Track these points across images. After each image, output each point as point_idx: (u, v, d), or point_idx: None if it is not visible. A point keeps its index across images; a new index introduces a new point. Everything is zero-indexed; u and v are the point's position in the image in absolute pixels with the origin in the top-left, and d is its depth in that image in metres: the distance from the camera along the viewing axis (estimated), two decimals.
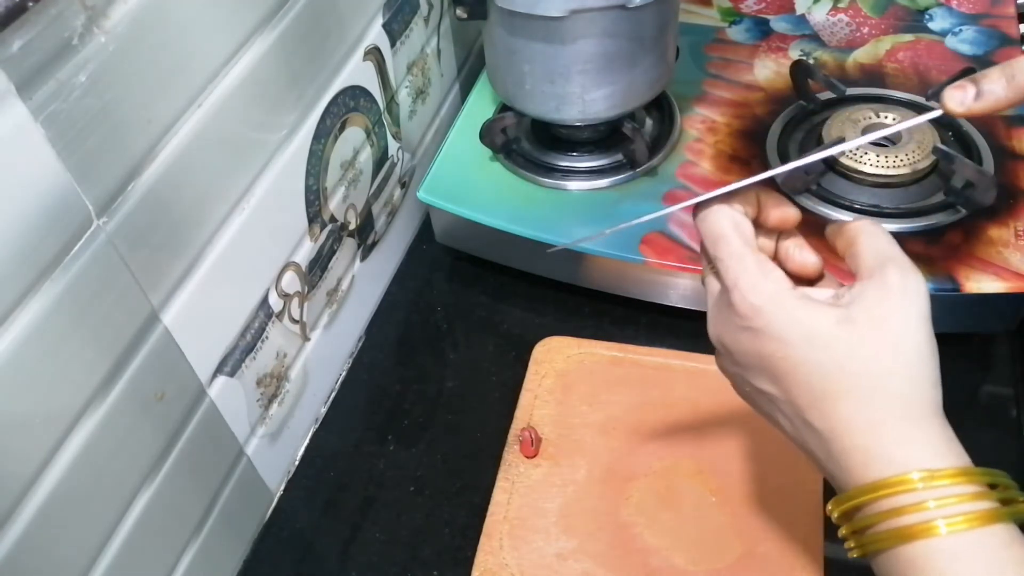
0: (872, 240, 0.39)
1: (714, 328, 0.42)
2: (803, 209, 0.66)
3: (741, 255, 0.39)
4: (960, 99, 0.37)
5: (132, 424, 0.47)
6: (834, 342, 0.37)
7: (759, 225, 0.42)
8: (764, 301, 0.38)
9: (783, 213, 0.42)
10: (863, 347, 0.36)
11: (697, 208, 0.42)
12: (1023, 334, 0.66)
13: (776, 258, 0.43)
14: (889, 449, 0.35)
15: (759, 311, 0.38)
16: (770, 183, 0.64)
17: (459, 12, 0.67)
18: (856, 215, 0.65)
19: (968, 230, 0.64)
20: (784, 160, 0.70)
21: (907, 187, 0.66)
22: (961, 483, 0.34)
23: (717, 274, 0.41)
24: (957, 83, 0.37)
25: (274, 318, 0.59)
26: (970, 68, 0.71)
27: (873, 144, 0.68)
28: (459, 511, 0.62)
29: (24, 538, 0.41)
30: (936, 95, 0.72)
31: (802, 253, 0.43)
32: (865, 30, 0.82)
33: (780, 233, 0.43)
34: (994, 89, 0.36)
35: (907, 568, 0.34)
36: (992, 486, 0.35)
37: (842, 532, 0.37)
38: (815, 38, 0.82)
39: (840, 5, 0.85)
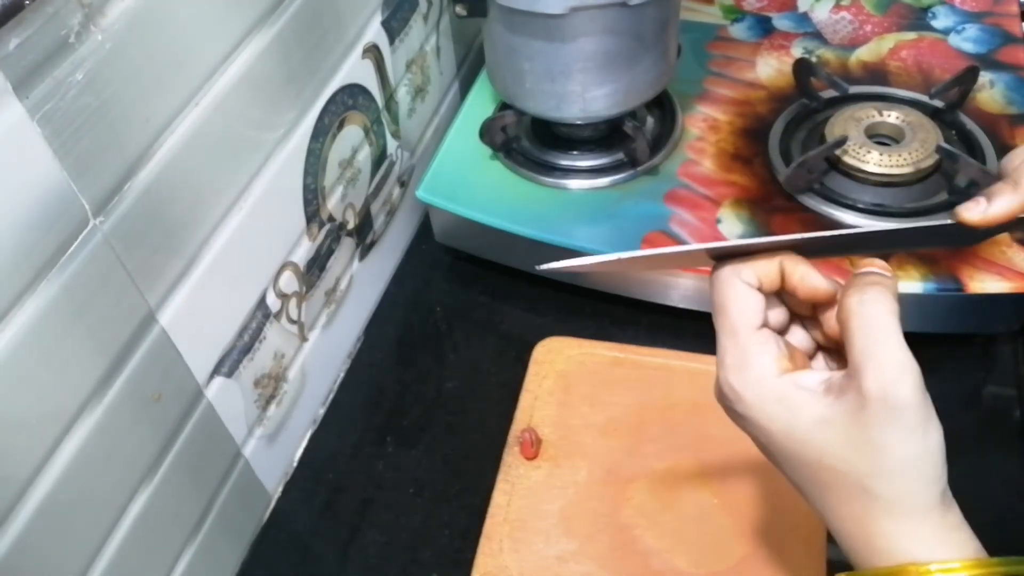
0: (862, 326, 0.36)
1: (715, 389, 0.41)
2: (805, 208, 0.67)
3: (733, 331, 0.38)
4: (972, 210, 0.38)
5: (129, 425, 0.47)
6: (811, 442, 0.36)
7: (787, 294, 0.40)
8: (743, 387, 0.38)
9: (812, 284, 0.38)
10: (839, 451, 0.36)
11: (715, 262, 0.40)
12: None
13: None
14: (875, 542, 0.36)
15: (740, 397, 0.38)
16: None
17: (458, 9, 0.66)
18: (858, 214, 0.65)
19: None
20: (786, 159, 0.70)
21: (910, 186, 0.66)
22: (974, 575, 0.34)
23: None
24: (969, 201, 0.38)
25: (272, 318, 0.59)
26: (973, 67, 0.71)
27: (876, 143, 0.67)
28: (459, 513, 0.61)
29: (20, 540, 0.41)
30: (940, 94, 0.72)
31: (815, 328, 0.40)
32: (868, 28, 0.82)
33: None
34: (1003, 198, 0.37)
35: None
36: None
37: None
38: (817, 36, 0.82)
39: (843, 3, 0.84)
